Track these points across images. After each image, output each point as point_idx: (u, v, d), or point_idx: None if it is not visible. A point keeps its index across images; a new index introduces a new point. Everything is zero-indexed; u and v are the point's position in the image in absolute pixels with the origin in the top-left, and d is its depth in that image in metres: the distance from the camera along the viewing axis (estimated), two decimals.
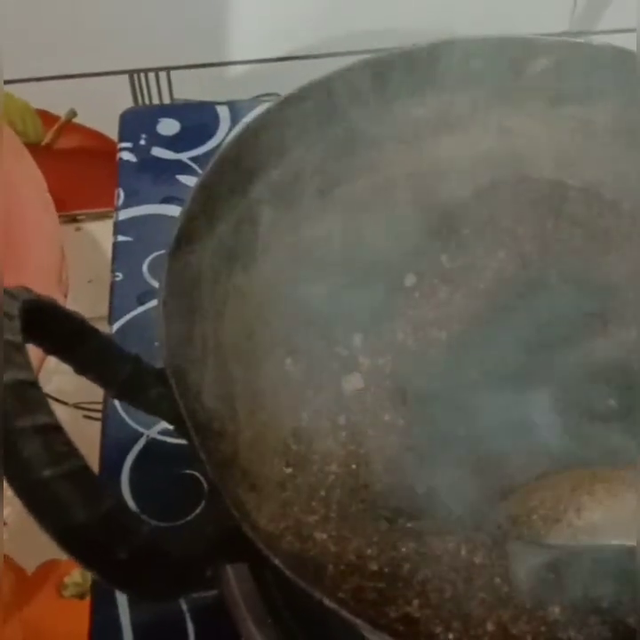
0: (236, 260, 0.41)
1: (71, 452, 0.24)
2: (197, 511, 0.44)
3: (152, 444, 0.48)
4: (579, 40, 0.46)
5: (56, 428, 0.24)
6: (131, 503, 0.46)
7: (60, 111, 0.69)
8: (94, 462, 0.49)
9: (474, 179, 0.47)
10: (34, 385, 0.24)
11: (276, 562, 0.29)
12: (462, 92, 0.46)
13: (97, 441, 0.49)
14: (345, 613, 0.28)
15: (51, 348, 0.31)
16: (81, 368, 0.32)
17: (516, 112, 0.47)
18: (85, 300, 0.68)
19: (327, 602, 0.28)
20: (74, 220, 0.76)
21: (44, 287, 0.53)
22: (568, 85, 0.46)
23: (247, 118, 0.62)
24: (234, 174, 0.41)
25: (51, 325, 0.30)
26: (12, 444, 0.23)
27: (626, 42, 0.68)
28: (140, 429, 0.49)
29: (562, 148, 0.46)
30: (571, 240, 0.44)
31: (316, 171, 0.44)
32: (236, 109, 0.64)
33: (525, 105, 0.46)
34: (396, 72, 0.45)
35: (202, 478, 0.46)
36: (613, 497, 0.32)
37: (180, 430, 0.33)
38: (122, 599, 0.43)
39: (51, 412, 0.24)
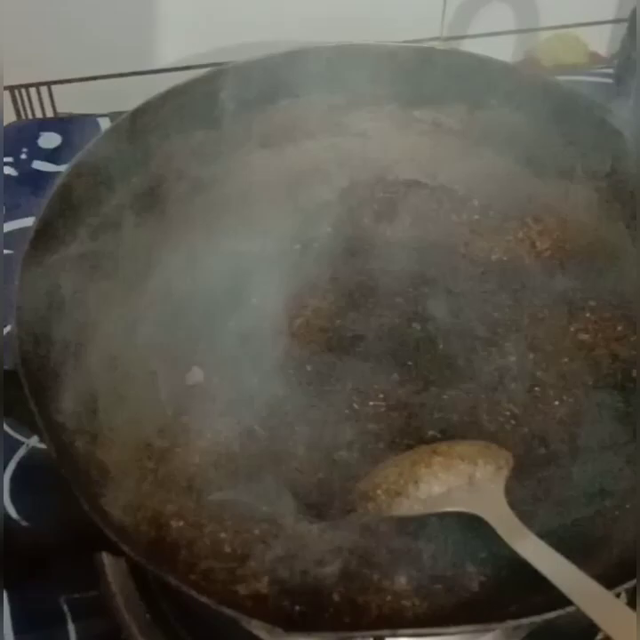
0: (99, 265, 0.42)
1: None
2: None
3: (33, 452, 0.49)
4: (427, 46, 0.48)
5: None
6: (11, 510, 0.46)
7: None
8: None
9: (334, 181, 0.49)
10: None
11: (126, 548, 0.30)
12: (320, 97, 0.48)
13: None
14: (192, 592, 0.30)
15: None
16: None
17: (372, 116, 0.49)
18: None
19: (175, 581, 0.30)
20: None
21: None
22: (420, 90, 0.48)
23: None
24: (92, 181, 0.42)
25: None
26: None
27: (492, 46, 0.72)
28: (21, 439, 0.49)
29: (415, 149, 0.48)
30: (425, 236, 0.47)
31: (179, 176, 0.46)
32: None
33: (380, 109, 0.48)
34: (255, 79, 0.47)
35: None
36: (448, 469, 0.34)
37: (36, 432, 0.33)
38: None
39: None
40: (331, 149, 0.49)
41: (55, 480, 0.46)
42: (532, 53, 0.74)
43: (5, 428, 0.50)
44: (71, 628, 0.43)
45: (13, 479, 0.48)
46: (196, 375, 0.41)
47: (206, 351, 0.42)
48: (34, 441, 0.49)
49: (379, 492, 0.34)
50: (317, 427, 0.39)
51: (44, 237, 0.38)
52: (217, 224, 0.46)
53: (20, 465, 0.48)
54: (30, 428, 0.37)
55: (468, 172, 0.48)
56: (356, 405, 0.40)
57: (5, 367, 0.38)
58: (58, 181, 0.40)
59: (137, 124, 0.43)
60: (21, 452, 0.49)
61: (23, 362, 0.34)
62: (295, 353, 0.42)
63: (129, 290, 0.43)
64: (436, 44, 0.71)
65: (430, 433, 0.39)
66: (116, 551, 0.32)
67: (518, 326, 0.44)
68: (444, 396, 0.40)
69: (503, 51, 0.73)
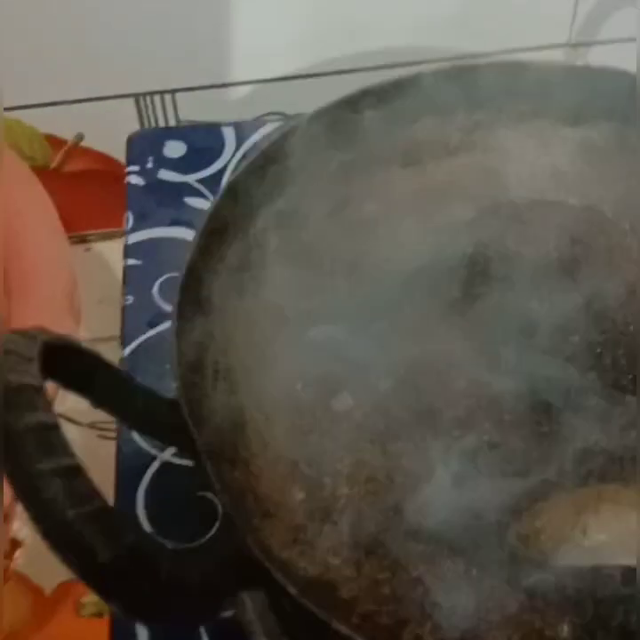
0: (245, 286, 0.42)
1: (92, 492, 0.25)
2: (211, 533, 0.45)
3: (166, 466, 0.49)
4: (574, 64, 0.47)
5: (77, 470, 0.25)
6: (146, 525, 0.47)
7: (68, 135, 0.70)
8: (108, 482, 0.50)
9: (475, 200, 0.48)
10: (55, 427, 0.25)
11: (291, 590, 0.30)
12: (464, 114, 0.47)
13: (111, 461, 0.50)
14: (359, 639, 0.29)
15: (68, 385, 0.32)
16: (97, 402, 0.33)
17: (516, 134, 0.47)
18: (96, 320, 0.69)
19: (341, 628, 0.29)
20: (83, 240, 0.77)
21: (57, 313, 0.54)
22: (568, 107, 0.47)
23: (252, 139, 0.64)
24: (242, 203, 0.42)
25: (68, 363, 0.31)
26: (35, 487, 0.24)
27: (625, 52, 0.69)
28: (154, 452, 0.50)
29: (562, 168, 0.47)
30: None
31: (321, 196, 0.45)
32: (240, 130, 0.65)
33: (524, 126, 0.47)
34: (398, 98, 0.46)
35: (215, 500, 0.46)
36: (618, 517, 0.33)
37: (194, 459, 0.33)
38: None
39: (72, 454, 0.25)
40: (474, 167, 0.48)
41: (189, 497, 0.47)
42: None
43: (137, 439, 0.50)
44: None
45: (147, 492, 0.49)
46: (345, 401, 0.40)
47: (356, 376, 0.41)
48: (167, 455, 0.50)
49: (542, 537, 0.33)
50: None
51: (196, 262, 0.38)
52: (357, 243, 0.46)
53: (153, 479, 0.49)
54: (187, 455, 0.37)
55: (619, 193, 0.46)
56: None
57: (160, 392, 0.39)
58: (212, 204, 0.40)
59: (281, 147, 0.43)
60: (155, 466, 0.49)
61: (183, 388, 0.34)
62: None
63: (273, 313, 0.42)
64: (566, 51, 0.69)
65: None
66: (272, 590, 0.31)
67: None
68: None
69: (633, 57, 0.71)
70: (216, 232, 0.40)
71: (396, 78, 0.46)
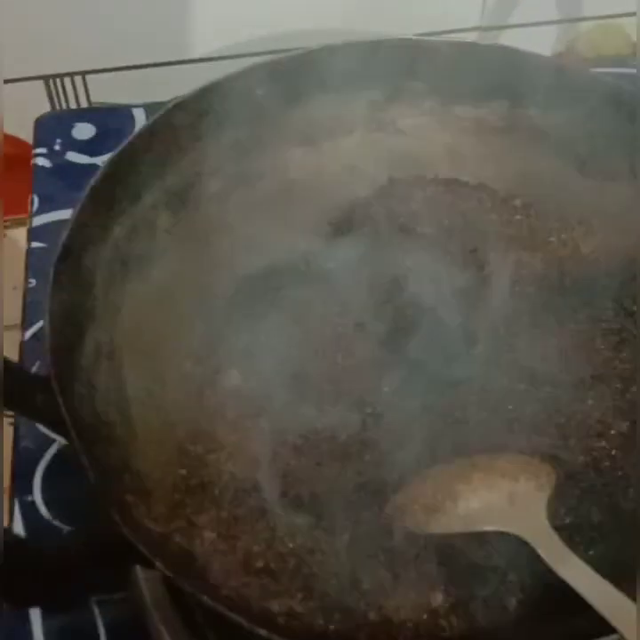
0: (132, 265, 0.41)
1: None
2: None
3: (65, 450, 0.48)
4: (468, 40, 0.47)
5: None
6: (42, 509, 0.46)
7: None
8: (7, 467, 0.49)
9: (372, 178, 0.47)
10: None
11: (157, 563, 0.30)
12: (358, 93, 0.47)
13: (10, 445, 0.49)
14: (224, 609, 0.29)
15: None
16: None
17: (412, 112, 0.47)
18: (11, 306, 0.68)
19: (207, 600, 0.29)
20: None
21: None
22: (459, 85, 0.47)
23: None
24: (128, 180, 0.41)
25: None
26: None
27: (533, 36, 0.70)
28: (52, 435, 0.49)
29: (456, 147, 0.47)
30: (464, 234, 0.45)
31: (213, 174, 0.45)
32: (152, 112, 0.63)
33: (418, 105, 0.47)
34: (293, 75, 0.46)
35: None
36: (488, 486, 0.33)
37: (66, 438, 0.33)
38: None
39: None
40: (369, 146, 0.48)
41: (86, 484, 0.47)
42: (573, 44, 0.72)
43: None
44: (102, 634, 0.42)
45: (45, 478, 0.48)
46: (233, 378, 0.40)
47: (244, 353, 0.41)
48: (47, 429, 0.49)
49: (416, 506, 0.34)
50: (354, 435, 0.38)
51: (77, 237, 0.38)
52: (253, 222, 0.45)
53: (50, 463, 0.48)
54: (62, 434, 0.36)
55: (511, 171, 0.47)
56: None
57: (35, 370, 0.38)
58: (92, 180, 0.39)
59: (173, 120, 0.42)
60: (53, 450, 0.49)
61: (55, 367, 0.33)
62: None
63: (162, 291, 0.42)
64: (477, 35, 0.69)
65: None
66: (148, 564, 0.31)
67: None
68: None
69: (544, 41, 0.71)
70: (99, 206, 0.39)
71: (290, 54, 0.45)
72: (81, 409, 0.34)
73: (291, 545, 0.34)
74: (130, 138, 0.42)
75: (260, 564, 0.34)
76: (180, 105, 0.43)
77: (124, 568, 0.31)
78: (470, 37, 0.70)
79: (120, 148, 0.41)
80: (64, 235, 0.37)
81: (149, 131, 0.42)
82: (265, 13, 0.66)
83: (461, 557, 0.34)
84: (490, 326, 0.42)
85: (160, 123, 0.42)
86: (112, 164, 0.40)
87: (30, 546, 0.31)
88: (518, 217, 0.46)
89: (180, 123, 0.43)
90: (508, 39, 0.70)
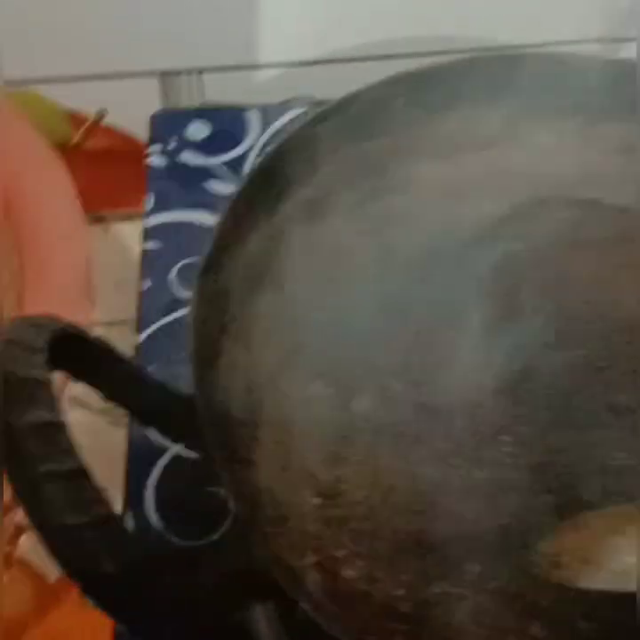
0: (266, 279, 0.40)
1: (97, 498, 0.23)
2: (222, 529, 0.43)
3: (177, 458, 0.48)
4: (616, 58, 0.45)
5: (82, 473, 0.23)
6: (154, 519, 0.46)
7: (89, 112, 0.68)
8: (118, 470, 0.48)
9: (510, 195, 0.46)
10: (59, 426, 0.24)
11: (303, 604, 0.28)
12: (498, 107, 0.45)
13: (121, 448, 0.49)
14: None
15: (77, 376, 0.30)
16: (108, 395, 0.31)
17: (554, 129, 0.45)
18: (112, 302, 0.68)
19: None
20: (101, 220, 0.75)
21: (72, 297, 0.53)
22: (604, 103, 0.45)
23: (278, 123, 0.62)
24: (265, 192, 0.40)
25: (78, 354, 0.30)
26: (36, 489, 0.22)
27: None
28: (165, 444, 0.48)
29: (600, 167, 0.45)
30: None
31: (347, 187, 0.44)
32: (266, 114, 0.63)
33: (562, 122, 0.45)
34: (430, 87, 0.44)
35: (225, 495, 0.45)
36: None
37: (206, 458, 0.32)
38: None
39: (76, 456, 0.23)
40: (507, 162, 0.46)
41: (200, 492, 0.46)
42: None
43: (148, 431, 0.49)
44: None
45: (157, 485, 0.47)
46: (363, 402, 0.39)
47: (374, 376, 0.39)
48: (177, 447, 0.48)
49: (567, 558, 0.32)
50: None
51: (217, 250, 0.37)
52: (385, 235, 0.44)
53: (164, 471, 0.48)
54: (198, 451, 0.35)
55: None
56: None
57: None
58: (233, 193, 0.38)
59: (311, 132, 0.41)
60: (166, 458, 0.48)
61: (199, 384, 0.33)
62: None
63: (294, 306, 0.41)
64: (600, 47, 0.66)
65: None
66: (283, 602, 0.30)
67: None
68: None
69: None
70: (238, 218, 0.38)
71: (428, 66, 0.44)
72: (222, 432, 0.33)
73: (436, 590, 0.32)
74: (268, 149, 0.41)
75: (403, 608, 0.32)
76: (319, 116, 0.42)
77: (246, 602, 0.30)
78: (592, 48, 0.67)
79: (260, 161, 0.40)
80: (206, 248, 0.36)
81: (287, 143, 0.41)
82: (377, 17, 0.64)
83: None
84: None
85: (298, 135, 0.41)
86: (252, 177, 0.39)
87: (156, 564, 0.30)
88: None
89: (317, 135, 0.42)
90: (630, 52, 0.68)
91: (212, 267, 0.36)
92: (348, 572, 0.33)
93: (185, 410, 0.33)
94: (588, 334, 0.41)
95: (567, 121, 0.46)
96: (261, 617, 0.30)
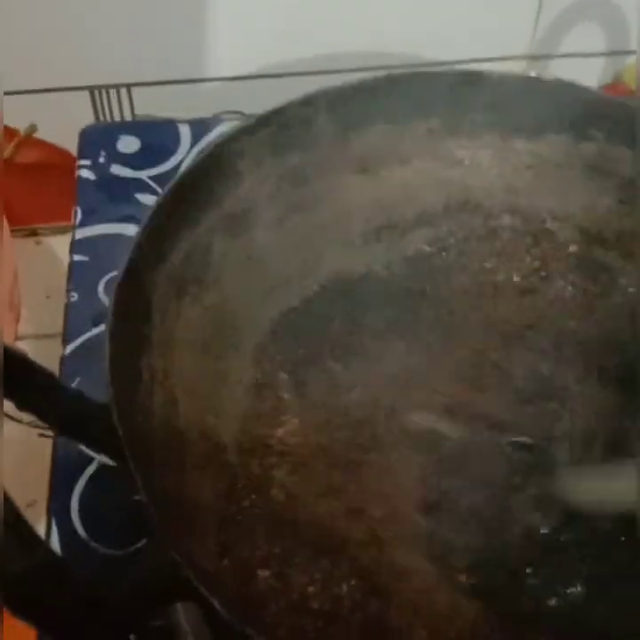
0: (186, 289, 0.41)
1: (5, 500, 0.23)
2: (147, 539, 0.44)
3: (103, 468, 0.48)
4: (530, 75, 0.47)
5: None
6: (79, 528, 0.46)
7: (20, 126, 0.68)
8: (45, 484, 0.48)
9: (427, 207, 0.47)
10: None
11: (215, 603, 0.29)
12: (417, 122, 0.47)
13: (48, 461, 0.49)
14: None
15: None
16: (22, 404, 0.31)
17: (469, 144, 0.47)
18: (43, 315, 0.68)
19: None
20: (34, 233, 0.75)
21: None
22: (518, 119, 0.46)
23: (208, 137, 0.63)
24: (187, 204, 0.41)
25: None
26: None
27: (581, 67, 0.70)
28: (91, 454, 0.48)
29: (511, 181, 0.47)
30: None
31: (270, 200, 0.44)
32: (197, 127, 0.64)
33: (477, 137, 0.47)
34: (353, 103, 0.46)
35: None
36: None
37: (122, 466, 0.32)
38: None
39: None
40: (425, 176, 0.47)
41: (125, 501, 0.46)
42: (620, 75, 0.72)
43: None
44: None
45: (83, 494, 0.47)
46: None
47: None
48: (104, 457, 0.48)
49: None
50: None
51: (138, 263, 0.37)
52: (307, 248, 0.45)
53: (89, 481, 0.48)
54: (116, 460, 0.36)
55: (570, 206, 0.46)
56: None
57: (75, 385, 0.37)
58: (152, 206, 0.39)
59: (234, 146, 0.42)
60: (92, 468, 0.48)
61: (115, 394, 0.33)
62: None
63: (215, 317, 0.42)
64: (526, 64, 0.69)
65: None
66: (199, 602, 0.30)
67: None
68: None
69: (592, 72, 0.71)
70: (159, 229, 0.39)
71: (351, 82, 0.45)
72: (137, 438, 0.33)
73: (345, 587, 0.33)
74: (188, 163, 0.41)
75: (314, 605, 0.33)
76: (242, 130, 0.42)
77: (163, 603, 0.31)
78: (518, 65, 0.70)
79: (181, 173, 0.41)
80: (125, 260, 0.37)
81: (210, 156, 0.42)
82: (317, 31, 0.66)
83: None
84: None
85: (221, 148, 0.42)
86: (173, 190, 0.40)
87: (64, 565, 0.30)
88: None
89: (241, 148, 0.43)
90: (556, 68, 0.70)
91: (132, 278, 0.37)
92: (262, 573, 0.34)
93: (102, 418, 0.33)
94: None
95: (482, 136, 0.47)
96: (183, 617, 0.30)
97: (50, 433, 0.61)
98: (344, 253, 0.47)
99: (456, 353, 0.43)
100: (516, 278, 0.47)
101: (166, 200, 0.39)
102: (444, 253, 0.46)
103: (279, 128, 0.44)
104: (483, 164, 0.47)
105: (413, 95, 0.46)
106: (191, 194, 0.41)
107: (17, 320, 0.54)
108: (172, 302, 0.40)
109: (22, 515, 0.24)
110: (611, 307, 0.45)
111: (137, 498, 0.45)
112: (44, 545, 0.24)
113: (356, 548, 0.34)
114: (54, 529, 0.45)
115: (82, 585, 0.26)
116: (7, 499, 0.24)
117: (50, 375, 0.32)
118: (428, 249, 0.48)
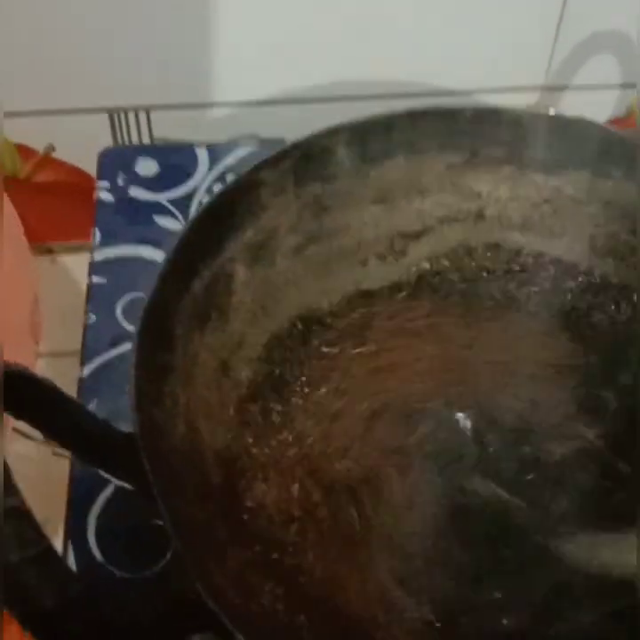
0: (208, 318, 0.41)
1: (37, 535, 0.24)
2: (163, 563, 0.44)
3: (119, 490, 0.49)
4: (549, 113, 0.47)
5: (22, 511, 0.24)
6: (96, 551, 0.46)
7: (39, 146, 0.69)
8: (61, 501, 0.49)
9: (444, 241, 0.48)
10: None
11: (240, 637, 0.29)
12: (437, 156, 0.48)
13: (64, 478, 0.49)
14: None
15: (19, 415, 0.31)
16: (50, 434, 0.32)
17: (489, 178, 0.48)
18: (59, 333, 0.68)
19: None
20: (49, 251, 0.76)
21: (17, 336, 0.53)
22: (540, 155, 0.47)
23: (226, 161, 0.64)
24: (211, 235, 0.41)
25: (20, 392, 0.30)
26: None
27: (601, 98, 0.70)
28: (107, 476, 0.49)
29: (529, 214, 0.48)
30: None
31: (290, 230, 0.45)
32: (214, 151, 0.65)
33: (496, 171, 0.47)
34: (374, 136, 0.47)
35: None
36: None
37: (147, 496, 0.33)
38: None
39: (17, 494, 0.24)
40: (443, 208, 0.48)
41: (142, 524, 0.46)
42: (633, 108, 0.73)
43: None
44: None
45: (99, 517, 0.48)
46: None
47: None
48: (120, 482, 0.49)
49: None
50: None
51: (162, 292, 0.38)
52: (326, 277, 0.46)
53: (106, 503, 0.48)
54: (140, 490, 0.36)
55: (587, 242, 0.47)
56: None
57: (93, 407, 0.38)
58: (180, 234, 0.39)
59: (257, 177, 0.43)
60: (109, 490, 0.49)
61: (140, 425, 0.34)
62: None
63: (236, 344, 0.42)
64: (540, 95, 0.70)
65: None
66: (220, 635, 0.31)
67: None
68: None
69: (606, 104, 0.72)
70: (184, 259, 0.40)
71: (368, 117, 0.46)
72: (162, 468, 0.34)
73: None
74: (214, 194, 0.42)
75: None
76: (266, 162, 0.43)
77: (183, 635, 0.31)
78: (532, 96, 0.70)
79: (205, 205, 0.41)
80: (151, 289, 0.37)
81: (235, 186, 0.42)
82: (332, 58, 0.66)
83: None
84: None
85: (245, 179, 0.43)
86: (198, 219, 0.40)
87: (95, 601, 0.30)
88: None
89: (264, 179, 0.43)
90: (570, 100, 0.71)
91: (156, 307, 0.37)
92: (279, 606, 0.34)
93: (125, 447, 0.34)
94: None
95: (500, 170, 0.48)
96: None
97: (65, 452, 0.61)
98: (361, 279, 0.47)
99: None
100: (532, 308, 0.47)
101: (191, 232, 0.40)
102: (463, 285, 0.47)
103: (299, 160, 0.45)
104: (501, 198, 0.48)
105: (433, 129, 0.47)
106: (216, 225, 0.41)
107: (38, 342, 0.54)
108: (195, 331, 0.40)
109: (55, 549, 0.25)
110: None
111: (154, 521, 0.46)
112: (75, 578, 0.24)
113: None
114: (71, 551, 0.45)
115: (108, 618, 0.26)
116: (41, 533, 0.24)
117: (77, 405, 0.33)
118: (443, 277, 0.48)
